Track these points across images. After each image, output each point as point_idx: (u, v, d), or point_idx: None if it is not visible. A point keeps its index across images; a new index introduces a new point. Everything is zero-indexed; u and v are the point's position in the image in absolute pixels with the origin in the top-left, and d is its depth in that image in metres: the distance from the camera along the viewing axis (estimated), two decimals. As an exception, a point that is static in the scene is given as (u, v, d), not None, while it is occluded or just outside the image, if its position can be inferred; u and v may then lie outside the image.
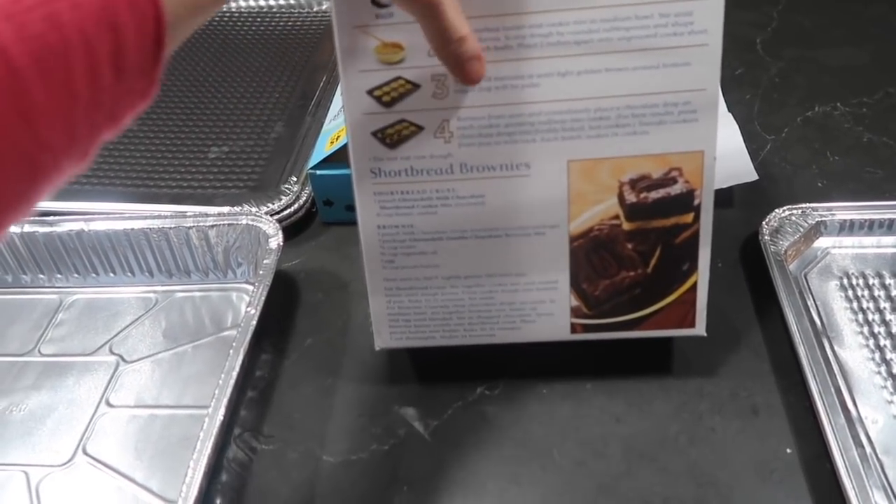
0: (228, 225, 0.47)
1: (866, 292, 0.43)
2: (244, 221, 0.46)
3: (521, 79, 0.33)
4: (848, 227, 0.46)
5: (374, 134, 0.34)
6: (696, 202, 0.35)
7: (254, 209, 0.49)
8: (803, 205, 0.46)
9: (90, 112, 0.21)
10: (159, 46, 0.22)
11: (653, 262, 0.37)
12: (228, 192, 0.54)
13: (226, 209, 0.48)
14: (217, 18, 0.78)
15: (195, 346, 0.44)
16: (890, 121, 0.56)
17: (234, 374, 0.37)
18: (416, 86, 0.33)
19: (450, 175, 0.35)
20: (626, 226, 0.36)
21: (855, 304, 0.43)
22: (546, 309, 0.38)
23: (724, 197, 0.48)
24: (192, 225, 0.47)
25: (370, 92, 0.33)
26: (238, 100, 0.65)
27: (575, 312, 0.38)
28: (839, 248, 0.46)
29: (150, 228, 0.47)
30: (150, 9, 0.21)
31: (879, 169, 0.52)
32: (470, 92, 0.33)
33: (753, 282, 0.45)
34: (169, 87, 0.67)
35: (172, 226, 0.47)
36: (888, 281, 0.44)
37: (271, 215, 0.49)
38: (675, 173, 0.35)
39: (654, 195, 0.35)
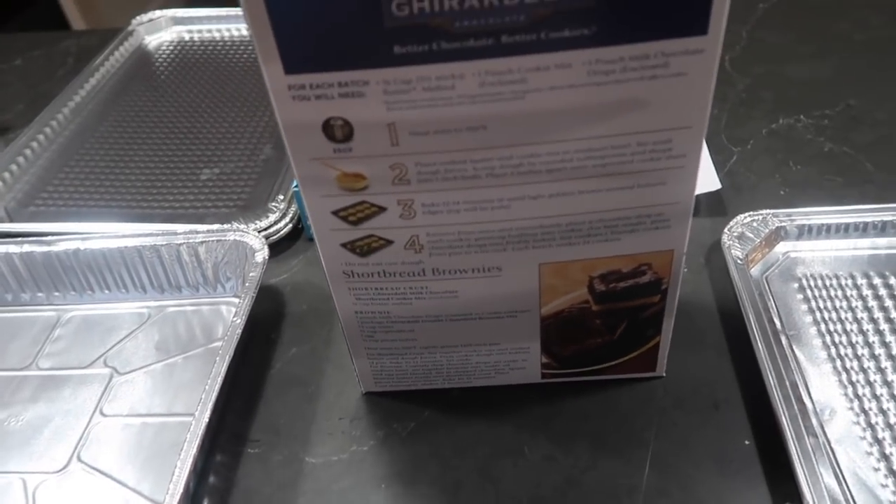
0: (217, 241, 0.49)
1: (824, 293, 0.45)
2: (232, 237, 0.49)
3: (491, 202, 0.32)
4: (807, 232, 0.48)
5: (344, 245, 0.34)
6: (663, 287, 0.36)
7: (242, 226, 0.52)
8: (764, 211, 0.49)
9: None
10: None
11: (619, 330, 0.38)
12: (219, 211, 0.57)
13: (215, 226, 0.51)
14: (210, 46, 0.82)
15: (186, 357, 0.46)
16: (850, 131, 0.59)
17: (220, 380, 0.39)
18: (382, 208, 0.32)
19: (422, 277, 0.35)
20: (595, 307, 0.37)
21: (813, 304, 0.45)
22: (519, 365, 0.40)
23: (690, 206, 0.51)
24: (182, 242, 0.49)
25: (335, 213, 0.33)
26: (229, 124, 0.68)
27: (545, 366, 0.40)
28: (798, 252, 0.48)
29: (143, 246, 0.49)
30: None
31: (839, 177, 0.55)
32: (438, 213, 0.32)
33: (717, 285, 0.47)
34: (163, 113, 0.70)
35: (164, 243, 0.49)
36: (844, 282, 0.46)
37: (258, 232, 0.51)
38: (644, 267, 0.35)
39: (623, 284, 0.36)
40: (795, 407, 0.37)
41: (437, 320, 0.37)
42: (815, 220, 0.48)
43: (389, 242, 0.34)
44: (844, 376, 0.40)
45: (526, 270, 0.35)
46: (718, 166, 0.55)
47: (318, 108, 0.29)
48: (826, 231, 0.48)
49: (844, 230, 0.48)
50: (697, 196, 0.52)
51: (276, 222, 0.53)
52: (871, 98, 0.62)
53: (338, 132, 0.30)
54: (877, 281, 0.46)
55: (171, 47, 0.82)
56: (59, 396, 0.45)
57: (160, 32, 0.84)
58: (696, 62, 0.27)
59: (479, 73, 0.27)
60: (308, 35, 0.27)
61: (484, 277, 0.35)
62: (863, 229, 0.48)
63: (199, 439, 0.37)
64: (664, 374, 0.41)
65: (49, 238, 0.50)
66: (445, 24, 0.26)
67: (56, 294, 0.51)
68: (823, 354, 0.42)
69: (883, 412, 0.39)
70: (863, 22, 0.71)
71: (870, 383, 0.40)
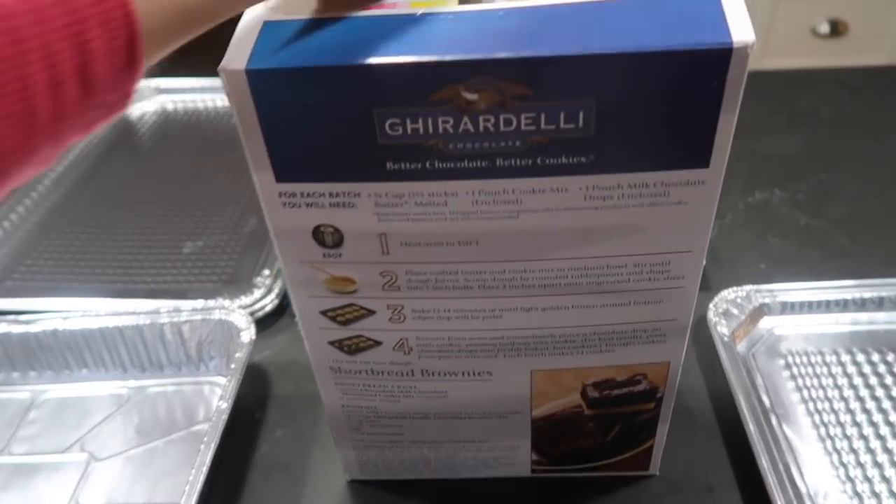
0: (202, 320, 0.48)
1: (810, 370, 0.46)
2: (217, 316, 0.48)
3: (483, 311, 0.31)
4: (790, 308, 0.49)
5: (332, 343, 0.33)
6: (658, 396, 0.36)
7: (227, 302, 0.51)
8: (747, 287, 0.49)
9: (53, 124, 0.21)
10: (133, 62, 0.22)
11: (612, 433, 0.38)
12: (203, 285, 0.56)
13: (199, 303, 0.50)
14: (193, 116, 0.82)
15: (167, 441, 0.45)
16: (823, 204, 0.61)
17: (205, 469, 0.38)
18: (371, 311, 0.32)
19: (411, 377, 0.35)
20: (587, 412, 0.36)
21: (800, 382, 0.45)
22: (508, 461, 0.40)
23: (675, 281, 0.51)
24: (166, 321, 0.48)
25: (323, 313, 0.32)
26: (213, 195, 0.67)
27: (536, 462, 0.40)
28: (782, 328, 0.49)
29: (125, 326, 0.48)
30: (122, 25, 0.21)
31: (816, 250, 0.56)
32: (428, 319, 0.32)
33: (704, 362, 0.47)
34: (146, 184, 0.70)
35: (147, 322, 0.48)
36: (828, 358, 0.46)
37: (244, 308, 0.51)
38: (639, 377, 0.35)
39: (617, 392, 0.35)
40: (790, 491, 0.37)
41: (425, 417, 0.37)
42: (797, 297, 0.49)
43: (378, 343, 0.33)
44: (836, 457, 0.41)
45: (517, 376, 0.34)
46: (700, 240, 0.56)
47: (309, 215, 0.29)
48: (808, 307, 0.49)
49: (826, 306, 0.49)
50: (681, 271, 0.53)
51: (261, 298, 0.52)
52: (841, 172, 0.64)
53: (328, 238, 0.29)
54: (860, 357, 0.46)
55: (154, 117, 0.82)
56: (32, 486, 0.43)
57: (143, 102, 0.84)
58: (697, 192, 0.27)
59: (472, 191, 0.27)
60: (300, 147, 0.27)
61: (474, 381, 0.35)
62: (843, 305, 0.49)
63: (182, 536, 0.35)
64: (657, 473, 0.40)
65: (27, 317, 0.49)
66: (439, 145, 0.26)
67: (32, 374, 0.50)
68: (813, 434, 0.42)
69: (875, 494, 0.39)
70: (827, 97, 0.74)
71: (860, 464, 0.40)
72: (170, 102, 0.85)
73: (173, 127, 0.80)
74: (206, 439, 0.40)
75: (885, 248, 0.56)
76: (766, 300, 0.49)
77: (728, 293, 0.49)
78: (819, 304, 0.49)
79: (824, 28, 1.51)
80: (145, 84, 0.86)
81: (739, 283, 0.50)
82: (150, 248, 0.61)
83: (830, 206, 0.60)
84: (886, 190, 0.62)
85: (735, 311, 0.48)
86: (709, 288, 0.53)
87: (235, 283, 0.55)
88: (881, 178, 0.63)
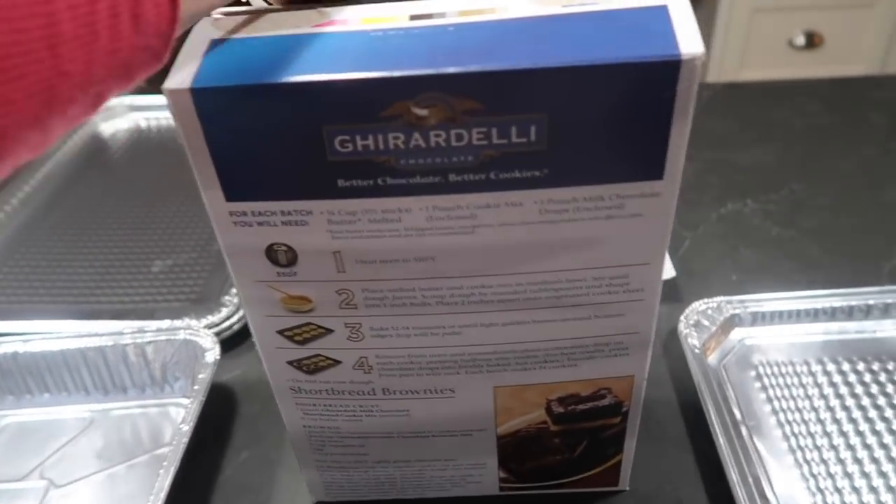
0: (166, 340, 0.47)
1: (780, 380, 0.46)
2: (181, 336, 0.47)
3: (442, 328, 0.31)
4: (760, 319, 0.49)
5: (290, 363, 0.33)
6: (624, 410, 0.35)
7: (194, 322, 0.50)
8: (718, 298, 0.49)
9: (108, 56, 0.22)
10: (174, 7, 0.23)
11: (579, 449, 0.37)
12: (171, 305, 0.55)
13: (165, 324, 0.49)
14: (166, 134, 0.81)
15: (130, 465, 0.44)
16: (795, 215, 0.61)
17: (163, 494, 0.37)
18: (328, 330, 0.31)
19: (372, 396, 0.34)
20: (553, 427, 0.36)
21: (771, 393, 0.45)
22: (475, 479, 0.39)
23: (646, 293, 0.51)
24: (129, 342, 0.47)
25: (280, 332, 0.32)
26: (184, 213, 0.67)
27: (503, 480, 0.39)
28: (753, 339, 0.48)
29: (88, 348, 0.47)
30: None
31: (787, 261, 0.56)
32: (387, 337, 0.31)
33: (675, 374, 0.47)
34: (116, 203, 0.69)
35: (110, 343, 0.47)
36: (799, 369, 0.46)
37: (210, 328, 0.50)
38: (604, 391, 0.34)
39: (582, 407, 0.35)
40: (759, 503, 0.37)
41: (388, 437, 0.36)
42: (768, 307, 0.49)
43: (337, 362, 0.33)
44: (806, 468, 0.40)
45: (480, 393, 0.34)
46: (672, 252, 0.56)
47: (261, 234, 0.28)
48: (779, 317, 0.49)
49: (797, 316, 0.49)
50: (653, 283, 0.53)
51: (228, 317, 0.52)
52: (812, 182, 0.64)
53: (281, 257, 0.29)
54: (830, 367, 0.46)
55: (126, 135, 0.82)
56: (-11, 514, 0.42)
57: (116, 119, 0.84)
58: (652, 204, 0.27)
59: (426, 207, 0.27)
60: (249, 165, 0.26)
61: (436, 398, 0.34)
62: (814, 315, 0.49)
63: (138, 564, 0.34)
64: (627, 488, 0.40)
65: (-14, 340, 0.48)
66: (391, 161, 0.26)
67: (-8, 399, 0.48)
68: (784, 446, 0.42)
69: (846, 506, 0.38)
70: (800, 109, 0.75)
71: (831, 475, 0.40)
72: (143, 120, 0.84)
73: (146, 144, 0.80)
74: (165, 463, 0.39)
75: (855, 257, 0.56)
76: (738, 311, 0.49)
77: (699, 305, 0.49)
78: (790, 314, 0.49)
79: (800, 40, 1.53)
80: (118, 102, 0.85)
81: (711, 294, 0.50)
82: (118, 267, 0.60)
83: (802, 216, 0.61)
84: (857, 200, 0.62)
85: (706, 323, 0.48)
86: (680, 300, 0.53)
87: (203, 303, 0.54)
88: (851, 188, 0.64)
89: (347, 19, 0.26)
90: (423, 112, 0.25)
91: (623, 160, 0.26)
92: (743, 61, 1.56)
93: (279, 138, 0.25)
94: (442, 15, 0.26)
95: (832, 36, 1.52)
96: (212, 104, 0.25)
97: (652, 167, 0.26)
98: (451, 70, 0.24)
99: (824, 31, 1.51)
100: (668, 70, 0.24)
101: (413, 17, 0.26)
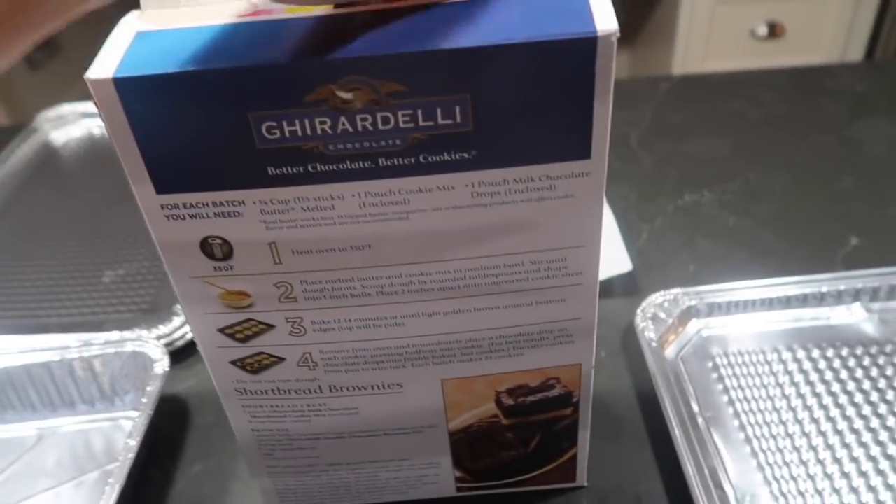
0: (114, 352, 0.46)
1: (737, 370, 0.46)
2: (130, 348, 0.46)
3: (384, 319, 0.31)
4: (717, 309, 0.49)
5: (233, 363, 0.32)
6: (574, 400, 0.35)
7: (144, 333, 0.49)
8: (675, 290, 0.49)
9: None
10: None
11: (533, 444, 0.37)
12: (121, 316, 0.54)
13: (114, 335, 0.48)
14: (120, 141, 0.79)
15: (78, 483, 0.43)
16: (750, 204, 0.61)
17: (109, 513, 0.36)
18: (270, 326, 0.31)
19: (319, 394, 0.33)
20: (505, 421, 0.35)
21: (727, 383, 0.45)
22: (431, 480, 0.39)
23: (604, 287, 0.51)
24: (76, 356, 0.46)
25: (221, 330, 0.31)
26: (136, 222, 0.65)
27: (459, 480, 0.39)
28: (710, 330, 0.49)
29: (32, 364, 0.46)
30: None
31: (744, 250, 0.56)
32: (330, 331, 0.31)
33: (633, 369, 0.47)
34: (67, 213, 0.67)
35: (56, 358, 0.46)
36: (755, 358, 0.46)
37: (162, 338, 0.49)
38: (552, 381, 0.34)
39: (531, 398, 0.35)
40: (715, 495, 0.37)
41: (339, 437, 0.35)
42: (724, 298, 0.49)
43: (281, 360, 0.32)
44: (762, 457, 0.40)
45: (428, 387, 0.33)
46: (629, 244, 0.56)
47: (194, 227, 0.28)
48: (735, 307, 0.49)
49: (752, 305, 0.49)
50: (611, 278, 0.53)
51: (180, 326, 0.50)
52: (766, 172, 0.65)
53: (216, 250, 0.28)
54: (786, 356, 0.46)
55: (78, 143, 0.80)
56: (-70, 540, 0.40)
57: (68, 127, 0.82)
58: (582, 184, 0.27)
59: (358, 193, 0.27)
60: (178, 156, 0.26)
61: (384, 394, 0.34)
62: (769, 304, 0.49)
63: (80, 586, 0.33)
64: (586, 484, 0.40)
65: (-75, 360, 0.46)
66: (319, 147, 0.25)
67: (-66, 420, 0.47)
68: (741, 436, 0.42)
69: (801, 493, 0.38)
70: (755, 99, 0.76)
71: (786, 464, 0.40)
72: (96, 128, 0.83)
73: (98, 153, 0.78)
74: (111, 480, 0.38)
75: (809, 244, 0.56)
76: (694, 302, 0.49)
77: (656, 297, 0.49)
78: (746, 303, 0.49)
79: (763, 30, 1.55)
80: (71, 109, 0.83)
81: (668, 286, 0.50)
82: (67, 279, 0.58)
83: (757, 205, 0.61)
84: (810, 188, 0.63)
85: (663, 316, 0.48)
86: (638, 293, 0.52)
87: (155, 313, 0.53)
88: (805, 176, 0.64)
89: (274, 8, 0.26)
90: (347, 95, 0.24)
91: (549, 140, 0.26)
92: (706, 52, 1.57)
93: (207, 127, 0.25)
94: (366, 2, 0.26)
95: (794, 26, 1.54)
96: (136, 94, 0.24)
97: (578, 147, 0.26)
98: (373, 52, 0.24)
99: (786, 21, 1.53)
100: (585, 47, 0.24)
101: (338, 6, 0.26)
